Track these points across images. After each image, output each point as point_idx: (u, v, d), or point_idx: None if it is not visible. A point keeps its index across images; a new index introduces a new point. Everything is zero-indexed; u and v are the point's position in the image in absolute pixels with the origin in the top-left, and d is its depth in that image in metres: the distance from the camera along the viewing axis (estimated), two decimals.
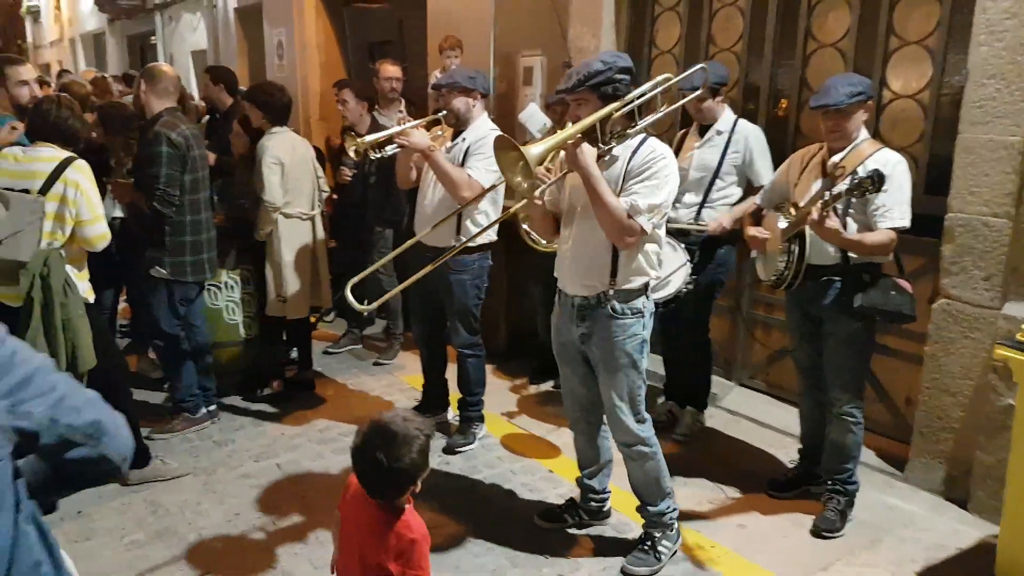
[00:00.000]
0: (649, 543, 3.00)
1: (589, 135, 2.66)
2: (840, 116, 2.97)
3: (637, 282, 2.79)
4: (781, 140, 4.31)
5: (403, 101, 5.43)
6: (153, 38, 13.48)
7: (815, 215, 2.82)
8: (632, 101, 2.69)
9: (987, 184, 3.20)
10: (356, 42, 8.03)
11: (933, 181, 3.65)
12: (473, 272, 3.77)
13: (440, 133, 3.69)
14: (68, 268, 3.15)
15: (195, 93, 11.37)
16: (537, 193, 2.76)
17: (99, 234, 3.25)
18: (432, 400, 4.20)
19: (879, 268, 3.06)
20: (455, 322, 3.84)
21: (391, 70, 5.23)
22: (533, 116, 4.62)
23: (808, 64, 4.20)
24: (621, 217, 2.63)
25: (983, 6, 3.15)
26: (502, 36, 5.69)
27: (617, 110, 2.67)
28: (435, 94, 4.52)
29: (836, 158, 3.06)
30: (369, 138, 3.62)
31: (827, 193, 2.86)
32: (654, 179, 2.67)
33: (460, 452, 3.88)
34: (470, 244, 3.67)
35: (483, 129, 3.66)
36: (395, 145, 3.60)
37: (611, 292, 2.77)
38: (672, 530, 3.05)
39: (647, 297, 2.84)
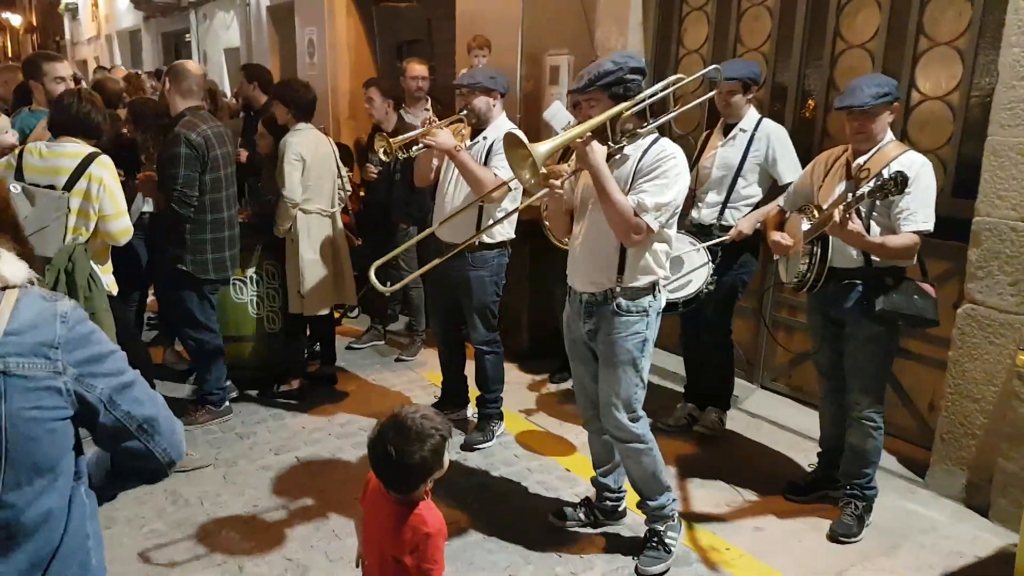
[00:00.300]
0: (656, 539, 3.01)
1: (600, 134, 2.67)
2: (865, 117, 2.95)
3: (644, 280, 2.79)
4: (808, 141, 4.28)
5: (430, 100, 5.48)
6: (187, 35, 13.72)
7: (836, 217, 2.80)
8: (643, 101, 2.70)
9: (1016, 188, 3.15)
10: (385, 41, 8.10)
11: (961, 184, 3.60)
12: (492, 268, 3.80)
13: (461, 132, 3.72)
14: (92, 263, 3.20)
15: (227, 90, 11.57)
16: (558, 183, 2.76)
17: (122, 229, 3.30)
18: (451, 397, 4.24)
19: (902, 272, 3.03)
20: (473, 318, 3.87)
21: (417, 69, 5.27)
22: (557, 114, 4.62)
23: (836, 64, 4.15)
24: (628, 215, 2.64)
25: (1016, 6, 3.10)
26: (529, 35, 5.70)
27: (627, 109, 2.68)
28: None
29: (861, 160, 3.03)
30: (397, 139, 3.66)
31: (850, 195, 2.83)
32: (663, 178, 2.67)
33: (478, 449, 3.90)
34: (489, 240, 3.71)
35: (504, 128, 3.68)
36: (421, 145, 3.63)
37: (618, 289, 2.78)
38: (674, 520, 3.08)
39: (654, 296, 2.84)
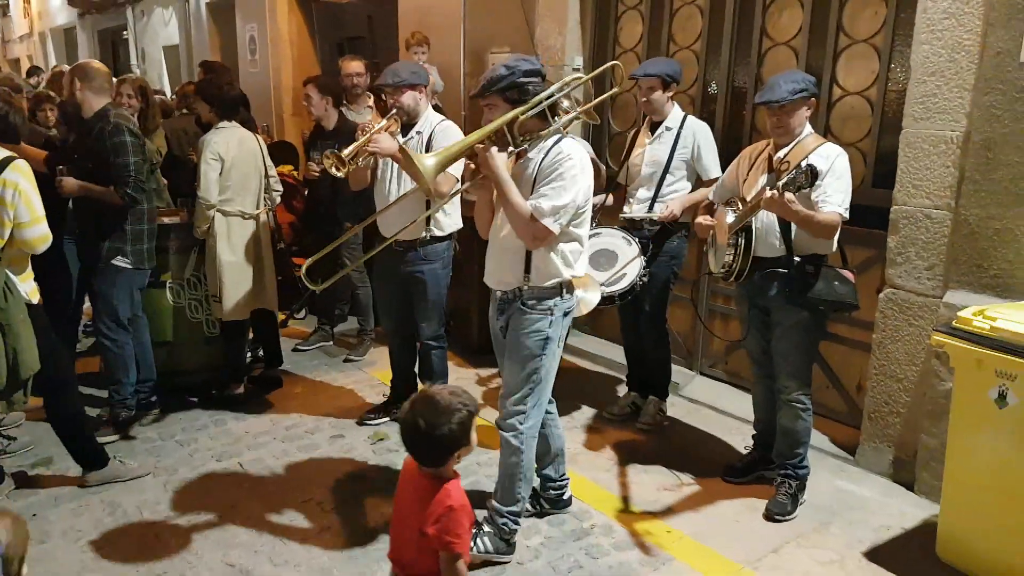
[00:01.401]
0: (480, 529, 3.01)
1: (501, 138, 2.71)
2: (783, 112, 3.07)
3: (551, 281, 2.82)
4: (738, 136, 4.42)
5: (372, 96, 5.47)
6: (125, 33, 13.39)
7: (767, 194, 2.89)
8: (540, 103, 2.72)
9: (929, 177, 3.31)
10: (326, 38, 8.05)
11: (880, 175, 3.77)
12: (444, 260, 3.85)
13: (391, 130, 3.73)
14: (8, 272, 3.07)
15: (167, 88, 11.34)
16: (466, 188, 2.82)
17: (39, 236, 3.14)
18: (401, 395, 4.26)
19: (823, 259, 3.17)
20: (427, 312, 3.89)
21: (352, 66, 5.27)
22: None
23: (763, 62, 4.29)
24: (526, 219, 2.67)
25: (924, 6, 3.26)
26: (472, 33, 5.76)
27: (523, 113, 2.70)
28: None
29: (781, 153, 3.15)
30: (344, 152, 3.66)
31: (767, 189, 2.94)
32: (560, 180, 2.68)
33: None
34: (439, 233, 3.76)
35: (434, 119, 3.76)
36: (368, 153, 3.65)
37: (525, 288, 2.83)
38: (505, 538, 3.02)
39: (562, 297, 2.85)
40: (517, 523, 3.06)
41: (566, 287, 2.87)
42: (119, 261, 3.83)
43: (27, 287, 3.19)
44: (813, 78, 3.13)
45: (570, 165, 2.70)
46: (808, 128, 3.16)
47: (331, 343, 5.44)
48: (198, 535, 3.19)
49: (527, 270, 2.82)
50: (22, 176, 3.08)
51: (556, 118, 2.80)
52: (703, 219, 3.39)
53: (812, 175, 2.79)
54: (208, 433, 4.10)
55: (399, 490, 2.27)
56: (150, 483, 3.58)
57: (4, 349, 2.95)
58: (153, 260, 4.01)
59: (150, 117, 4.96)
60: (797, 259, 3.12)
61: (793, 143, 3.13)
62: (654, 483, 3.61)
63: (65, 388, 3.39)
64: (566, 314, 2.91)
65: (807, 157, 3.03)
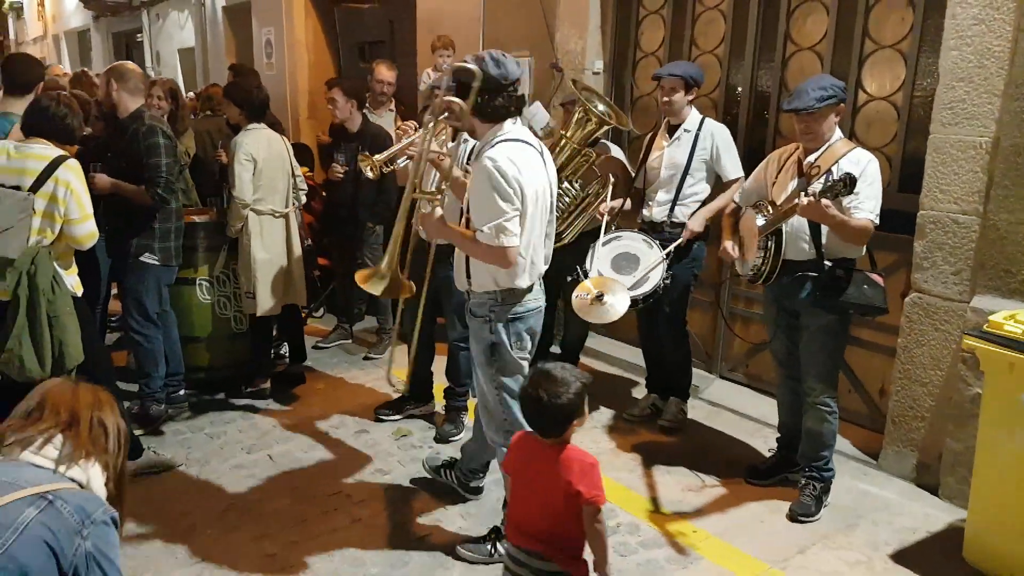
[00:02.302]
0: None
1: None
2: (811, 119, 3.09)
3: (488, 287, 2.78)
4: (761, 139, 4.45)
5: (393, 101, 5.52)
6: (139, 35, 13.46)
7: (803, 200, 2.92)
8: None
9: (957, 182, 3.34)
10: (347, 42, 8.11)
11: (906, 180, 3.80)
12: None
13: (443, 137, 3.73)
14: (56, 265, 3.17)
15: (182, 90, 11.39)
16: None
17: (87, 233, 3.27)
18: (418, 392, 4.27)
19: (852, 263, 3.19)
20: (453, 317, 3.92)
21: (387, 74, 5.31)
22: (537, 114, 4.70)
23: (787, 66, 4.33)
24: (479, 250, 2.67)
25: (953, 12, 3.29)
26: (491, 37, 5.79)
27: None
28: (426, 94, 4.60)
29: (811, 158, 3.18)
30: (381, 156, 3.69)
31: (802, 194, 2.97)
32: (487, 195, 2.61)
33: (452, 441, 3.97)
34: None
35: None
36: (405, 158, 3.68)
37: (470, 293, 2.86)
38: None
39: (502, 304, 2.78)
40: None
41: (505, 295, 2.78)
42: (147, 258, 3.89)
43: (72, 280, 3.31)
44: (842, 83, 3.15)
45: (492, 175, 2.60)
46: (838, 133, 3.19)
47: (350, 341, 5.47)
48: (233, 526, 3.23)
49: (468, 275, 2.84)
50: (73, 175, 3.21)
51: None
52: (728, 247, 3.43)
53: (851, 183, 2.81)
54: (237, 426, 4.15)
55: (518, 469, 2.42)
56: (182, 474, 3.63)
57: (51, 340, 3.03)
58: (180, 257, 4.07)
59: (180, 119, 5.02)
60: (828, 263, 3.14)
61: (823, 148, 3.15)
62: (678, 484, 3.63)
63: (106, 378, 3.42)
64: (514, 320, 2.81)
65: (837, 162, 3.06)
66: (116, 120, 3.93)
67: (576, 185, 4.07)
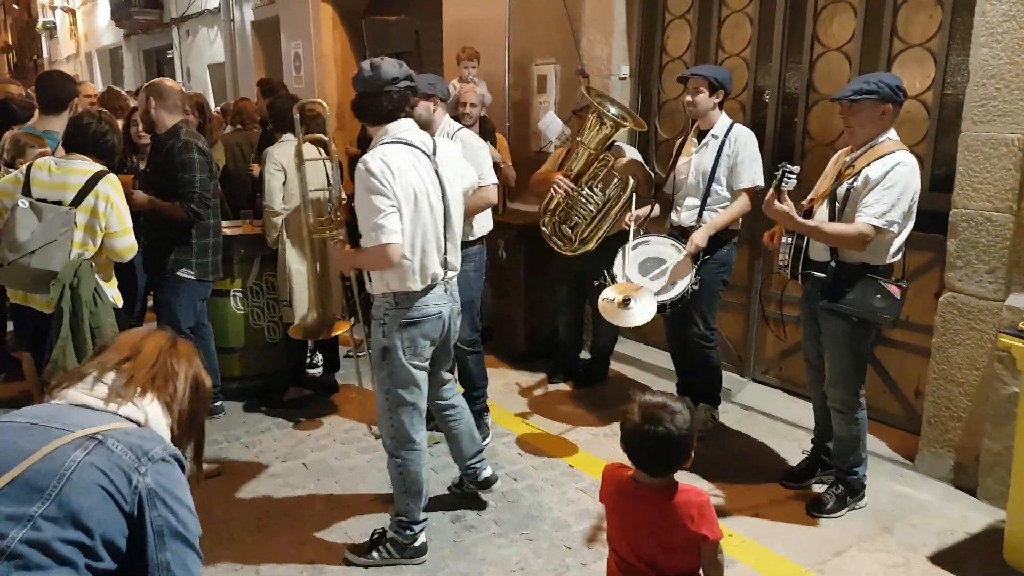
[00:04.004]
0: (378, 538, 3.05)
1: None
2: (848, 111, 3.07)
3: (382, 289, 2.83)
4: (791, 143, 4.44)
5: None
6: (170, 52, 13.74)
7: (767, 199, 2.91)
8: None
9: (989, 180, 3.31)
10: (375, 53, 8.22)
11: (938, 179, 3.76)
12: (476, 263, 3.89)
13: None
14: (97, 277, 3.27)
15: (212, 105, 11.61)
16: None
17: (127, 246, 3.37)
18: None
19: (866, 268, 3.08)
20: (460, 318, 3.95)
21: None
22: (551, 124, 4.72)
23: (815, 68, 4.31)
24: (368, 257, 2.71)
25: (982, 9, 3.27)
26: (517, 45, 5.84)
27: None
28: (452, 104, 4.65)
29: (848, 158, 3.16)
30: None
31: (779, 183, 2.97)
32: (363, 197, 2.65)
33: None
34: (471, 237, 3.79)
35: (451, 128, 3.80)
36: None
37: (371, 296, 2.89)
38: (403, 541, 3.01)
39: (396, 307, 2.81)
40: (412, 530, 3.03)
41: (400, 299, 2.81)
42: (183, 273, 3.95)
43: (112, 292, 3.39)
44: (896, 82, 3.05)
45: (369, 181, 2.64)
46: (888, 134, 3.09)
47: None
48: (271, 532, 3.29)
49: (369, 277, 2.87)
50: (113, 189, 3.31)
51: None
52: (767, 237, 3.43)
53: (782, 175, 2.81)
54: (272, 435, 4.22)
55: (612, 512, 2.25)
56: (219, 482, 3.69)
57: (94, 351, 3.10)
58: (219, 272, 4.12)
59: (208, 132, 5.12)
60: (833, 264, 3.10)
61: (864, 147, 3.10)
62: (711, 488, 3.62)
63: None
64: (408, 325, 2.83)
65: (870, 164, 3.03)
66: (153, 137, 4.02)
67: (596, 190, 4.11)
